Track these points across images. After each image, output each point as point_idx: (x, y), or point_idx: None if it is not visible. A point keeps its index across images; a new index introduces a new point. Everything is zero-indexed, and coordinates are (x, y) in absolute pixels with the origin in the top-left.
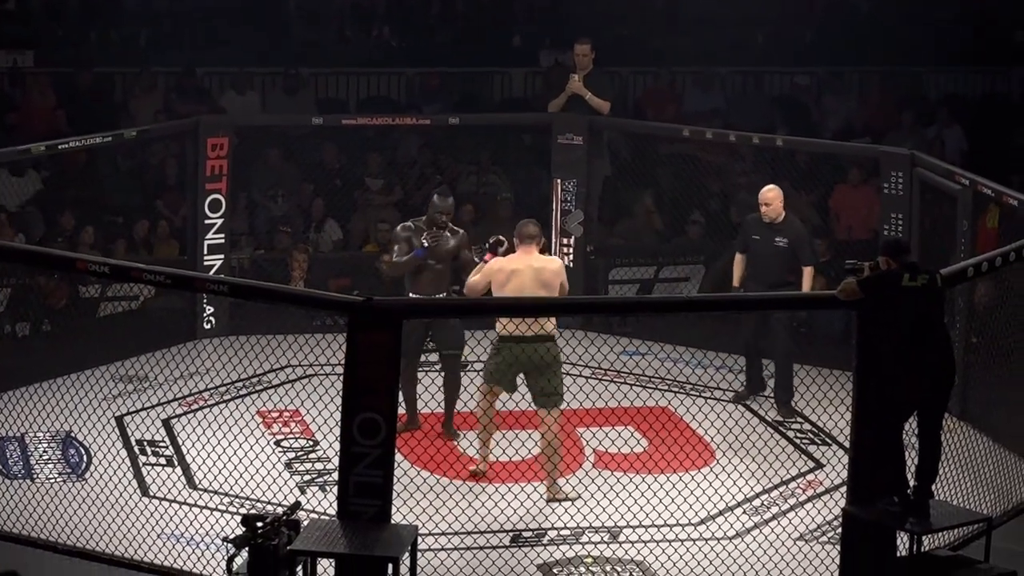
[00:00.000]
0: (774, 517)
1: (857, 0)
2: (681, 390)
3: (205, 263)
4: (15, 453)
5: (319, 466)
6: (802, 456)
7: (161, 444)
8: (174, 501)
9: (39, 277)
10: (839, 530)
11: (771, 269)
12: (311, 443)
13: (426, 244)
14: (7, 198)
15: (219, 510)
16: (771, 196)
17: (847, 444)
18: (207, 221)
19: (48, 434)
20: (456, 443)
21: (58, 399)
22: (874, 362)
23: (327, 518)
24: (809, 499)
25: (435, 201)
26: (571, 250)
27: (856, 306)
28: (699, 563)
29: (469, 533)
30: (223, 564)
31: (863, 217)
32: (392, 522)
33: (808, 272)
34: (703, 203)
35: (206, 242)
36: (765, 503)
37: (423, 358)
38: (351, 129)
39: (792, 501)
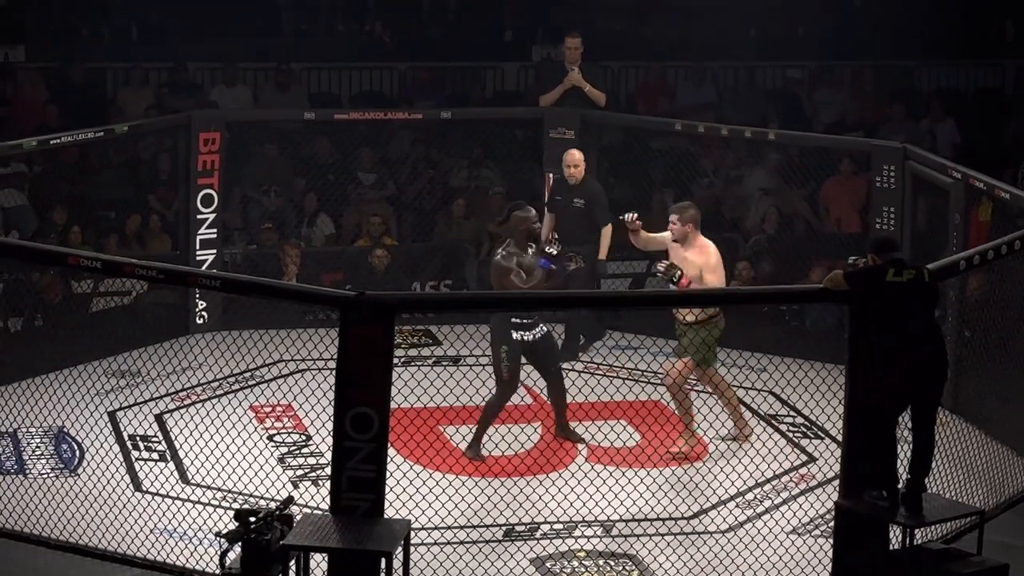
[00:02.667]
0: (767, 511)
1: None
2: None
3: (197, 258)
4: (8, 448)
5: (312, 461)
6: (795, 450)
7: (154, 439)
8: (167, 496)
9: (33, 272)
10: (832, 524)
11: (572, 228)
12: (304, 438)
13: (554, 252)
14: None
15: (212, 505)
16: (578, 158)
17: (840, 438)
18: (199, 216)
19: (41, 429)
20: (574, 442)
21: (51, 394)
22: (866, 356)
23: (320, 513)
24: (802, 493)
25: (522, 215)
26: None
27: (845, 299)
28: (692, 557)
29: (462, 527)
30: (216, 559)
31: (852, 209)
32: (385, 517)
33: (606, 231)
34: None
35: (198, 237)
36: (758, 497)
37: (418, 352)
38: (343, 124)
39: (785, 495)
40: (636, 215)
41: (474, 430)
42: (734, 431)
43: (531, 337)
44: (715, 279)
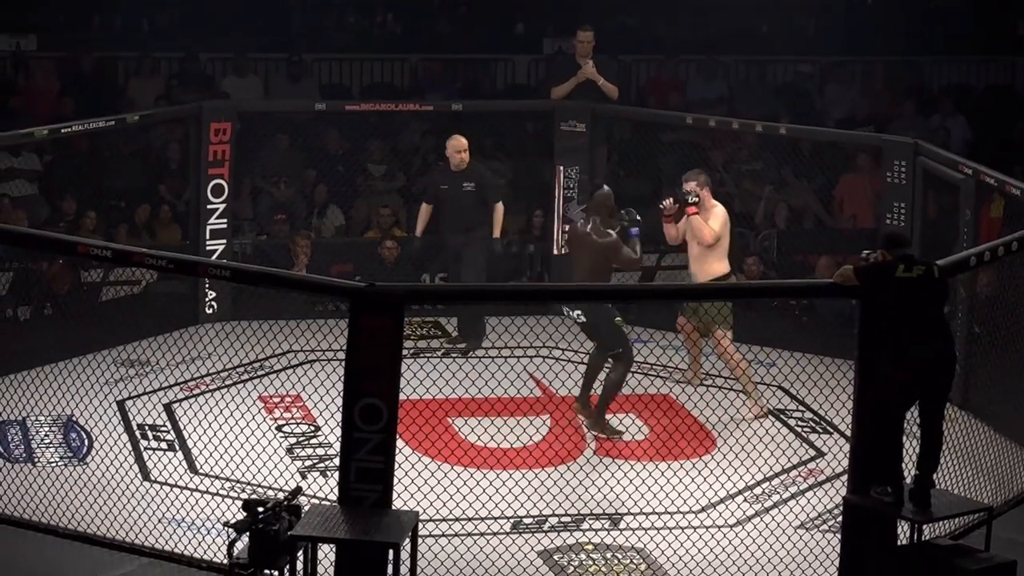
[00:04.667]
0: (775, 505)
1: None
2: (683, 378)
3: (207, 248)
4: (16, 437)
5: (320, 451)
6: (803, 444)
7: (162, 429)
8: (175, 486)
9: (43, 261)
10: (840, 518)
11: (464, 213)
12: (312, 428)
13: (638, 218)
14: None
15: (220, 495)
16: (465, 143)
17: (848, 433)
18: (209, 206)
19: (49, 418)
20: (607, 436)
21: (59, 383)
22: (875, 351)
23: (328, 503)
24: (810, 487)
25: (604, 193)
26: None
27: (856, 295)
28: (699, 550)
29: (470, 519)
30: (224, 549)
31: (867, 205)
32: (393, 508)
33: (499, 208)
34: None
35: (208, 227)
36: (766, 491)
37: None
38: (354, 115)
39: (793, 489)
40: (672, 200)
41: (597, 410)
42: (748, 405)
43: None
44: (727, 242)
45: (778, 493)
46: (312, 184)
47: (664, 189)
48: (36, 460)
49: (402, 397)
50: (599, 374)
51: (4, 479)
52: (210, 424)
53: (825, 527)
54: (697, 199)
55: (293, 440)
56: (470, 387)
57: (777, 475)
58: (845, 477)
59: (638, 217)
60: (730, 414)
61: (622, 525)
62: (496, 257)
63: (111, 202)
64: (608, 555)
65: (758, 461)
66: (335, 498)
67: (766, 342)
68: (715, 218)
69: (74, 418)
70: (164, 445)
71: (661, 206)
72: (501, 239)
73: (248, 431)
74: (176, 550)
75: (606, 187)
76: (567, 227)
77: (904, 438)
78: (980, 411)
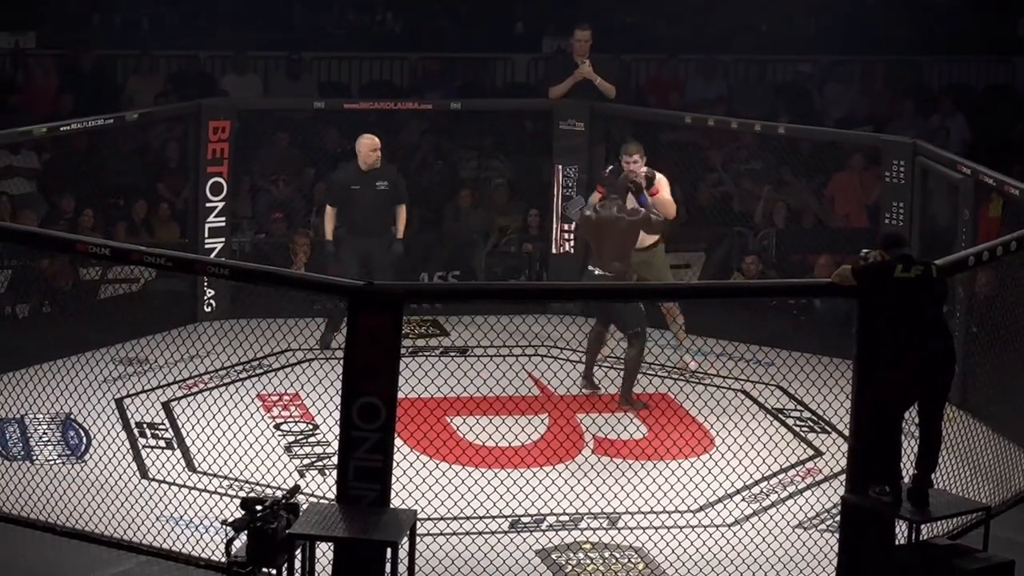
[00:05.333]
0: (773, 505)
1: None
2: (681, 377)
3: (206, 246)
4: (15, 435)
5: (318, 450)
6: (801, 444)
7: (161, 427)
8: (173, 484)
9: (43, 259)
10: (838, 518)
11: (380, 213)
12: (311, 427)
13: (643, 184)
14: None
15: (218, 493)
16: (378, 143)
17: (847, 432)
18: (208, 204)
19: (48, 416)
20: (636, 410)
21: (58, 381)
22: (874, 351)
23: (326, 502)
24: (808, 487)
25: (624, 175)
26: (571, 236)
27: (854, 294)
28: (697, 550)
29: (468, 518)
30: (222, 547)
31: (859, 204)
32: (391, 507)
33: (402, 210)
34: (705, 190)
35: (207, 225)
36: (764, 491)
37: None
38: (353, 113)
39: (791, 489)
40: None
41: (623, 387)
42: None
43: None
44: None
45: (776, 492)
46: (311, 182)
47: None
48: (34, 458)
49: (400, 395)
50: (602, 348)
51: (2, 477)
52: (208, 422)
53: (823, 527)
54: (654, 175)
55: (291, 438)
56: (468, 386)
57: (775, 474)
58: (843, 477)
59: (643, 184)
60: (728, 413)
61: (620, 524)
62: (400, 257)
63: (110, 200)
64: (606, 554)
65: (756, 460)
66: (333, 496)
67: (765, 342)
68: (665, 187)
69: (72, 416)
70: (162, 443)
71: (640, 182)
72: (403, 239)
73: (246, 429)
74: (174, 548)
75: (620, 166)
76: (567, 225)
77: (902, 438)
78: (978, 411)
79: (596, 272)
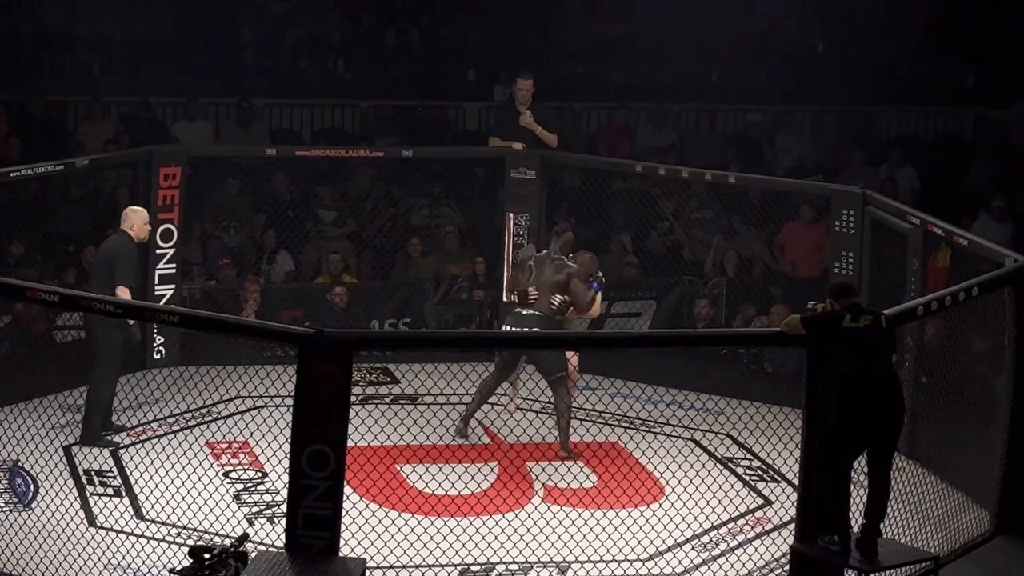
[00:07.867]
0: (723, 554)
1: (811, 39)
2: (631, 426)
3: (156, 293)
4: None
5: (268, 498)
6: (751, 493)
7: (109, 474)
8: (121, 532)
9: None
10: (787, 567)
11: (99, 281)
12: (260, 475)
13: (602, 278)
14: None
15: (167, 541)
16: (146, 216)
17: (796, 482)
18: (159, 251)
19: None
20: (575, 461)
21: (5, 428)
22: (823, 400)
23: (275, 550)
24: (758, 536)
25: (570, 234)
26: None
27: (803, 344)
28: None
29: (418, 567)
30: None
31: (810, 254)
32: (340, 555)
33: (121, 290)
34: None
35: (157, 272)
36: (714, 539)
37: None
38: (304, 160)
39: (741, 538)
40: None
41: (559, 436)
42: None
43: None
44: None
45: (726, 541)
46: (262, 229)
47: (613, 236)
48: None
49: (350, 443)
50: (491, 396)
51: None
52: (157, 470)
53: None
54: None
55: (240, 486)
56: (418, 434)
57: (725, 523)
58: (792, 526)
59: (602, 278)
60: (678, 462)
61: (570, 573)
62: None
63: (60, 246)
64: None
65: (706, 509)
66: (282, 545)
67: (714, 390)
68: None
69: (19, 463)
70: (111, 491)
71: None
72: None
73: (195, 477)
74: None
75: (570, 232)
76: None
77: (851, 487)
78: (927, 460)
79: (524, 313)
